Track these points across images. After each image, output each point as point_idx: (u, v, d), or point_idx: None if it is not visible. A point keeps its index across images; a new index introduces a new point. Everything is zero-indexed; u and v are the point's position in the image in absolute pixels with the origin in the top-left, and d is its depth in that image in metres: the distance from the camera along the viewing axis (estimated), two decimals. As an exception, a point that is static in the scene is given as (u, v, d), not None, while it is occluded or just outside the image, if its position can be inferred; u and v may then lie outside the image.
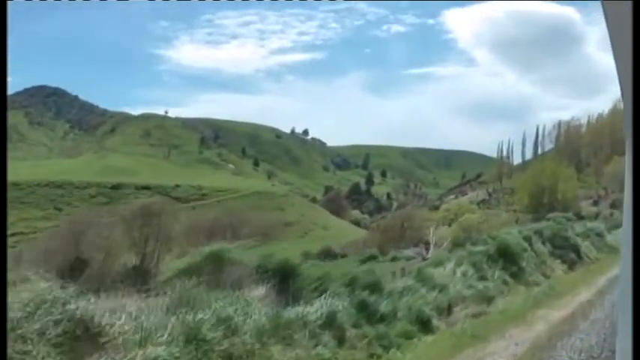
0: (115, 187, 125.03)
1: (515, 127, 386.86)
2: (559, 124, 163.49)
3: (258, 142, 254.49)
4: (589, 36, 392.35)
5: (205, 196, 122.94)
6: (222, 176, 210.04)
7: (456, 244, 37.67)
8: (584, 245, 27.77)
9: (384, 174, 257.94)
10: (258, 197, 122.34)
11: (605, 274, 21.32)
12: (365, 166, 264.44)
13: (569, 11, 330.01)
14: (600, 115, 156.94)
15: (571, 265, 23.62)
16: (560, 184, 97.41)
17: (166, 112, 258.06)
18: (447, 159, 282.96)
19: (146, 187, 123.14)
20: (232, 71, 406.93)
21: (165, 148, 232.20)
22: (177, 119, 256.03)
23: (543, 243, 23.42)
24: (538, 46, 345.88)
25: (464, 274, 16.49)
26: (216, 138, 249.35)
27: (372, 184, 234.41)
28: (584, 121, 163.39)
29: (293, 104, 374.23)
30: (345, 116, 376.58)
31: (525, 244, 20.65)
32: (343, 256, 72.53)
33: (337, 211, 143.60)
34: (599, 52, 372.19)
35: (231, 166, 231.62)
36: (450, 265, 17.24)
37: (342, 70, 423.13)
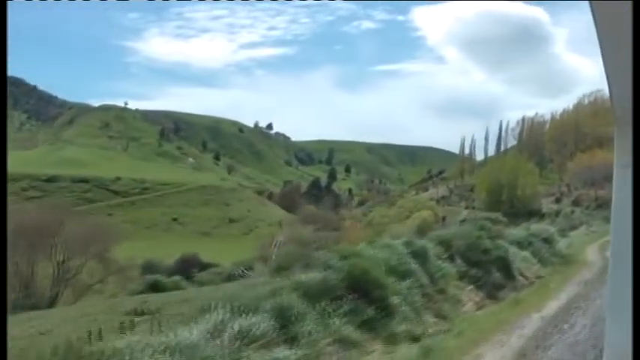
0: (50, 179, 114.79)
1: (483, 125, 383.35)
2: (523, 120, 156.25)
3: (220, 135, 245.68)
4: (557, 37, 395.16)
5: (147, 190, 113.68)
6: (180, 170, 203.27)
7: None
8: (522, 257, 19.83)
9: (348, 169, 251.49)
10: (204, 192, 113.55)
11: (548, 305, 14.43)
12: (329, 162, 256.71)
13: (538, 12, 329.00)
14: (565, 111, 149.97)
15: (492, 293, 15.41)
16: (520, 179, 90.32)
17: (126, 104, 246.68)
18: (412, 155, 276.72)
19: (84, 180, 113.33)
20: (202, 65, 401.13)
21: (124, 141, 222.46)
22: (137, 111, 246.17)
23: (451, 258, 15.15)
24: (507, 45, 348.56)
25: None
26: (177, 131, 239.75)
27: (335, 180, 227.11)
28: (548, 117, 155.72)
29: (262, 99, 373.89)
30: (313, 111, 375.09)
31: (407, 263, 12.26)
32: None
33: (291, 206, 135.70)
34: (566, 52, 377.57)
35: (190, 159, 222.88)
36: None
37: (312, 66, 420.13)
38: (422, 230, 77.12)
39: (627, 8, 1.68)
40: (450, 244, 15.72)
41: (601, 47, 1.89)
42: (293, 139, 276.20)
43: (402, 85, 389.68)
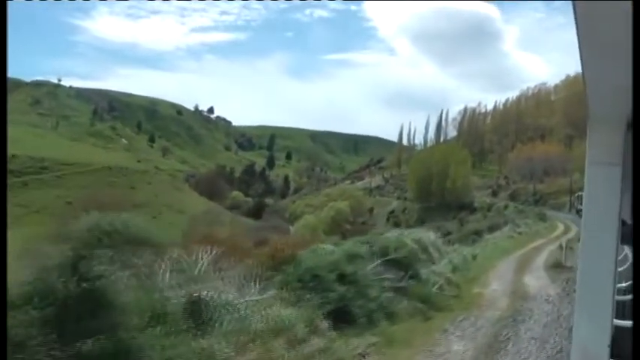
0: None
1: (431, 117, 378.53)
2: (464, 109, 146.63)
3: (157, 117, 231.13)
4: (507, 34, 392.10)
5: (45, 170, 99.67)
6: (111, 151, 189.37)
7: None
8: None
9: (289, 156, 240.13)
10: (109, 173, 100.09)
11: None
12: (270, 148, 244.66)
13: (490, 9, 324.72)
14: (508, 101, 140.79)
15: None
16: (450, 169, 79.99)
17: (59, 80, 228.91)
18: (356, 144, 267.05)
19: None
20: (151, 47, 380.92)
21: (54, 119, 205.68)
22: (71, 88, 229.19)
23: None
24: (458, 41, 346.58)
25: None
26: (111, 110, 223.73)
27: (273, 166, 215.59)
28: (491, 108, 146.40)
29: (211, 84, 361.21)
30: (261, 98, 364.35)
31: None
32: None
33: (212, 192, 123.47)
34: (516, 50, 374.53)
35: (124, 140, 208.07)
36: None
37: (263, 52, 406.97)
38: (336, 222, 66.16)
39: (607, 6, 1.69)
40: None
41: (579, 43, 1.86)
42: (235, 124, 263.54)
43: (352, 75, 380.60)
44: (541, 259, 27.67)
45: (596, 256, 2.64)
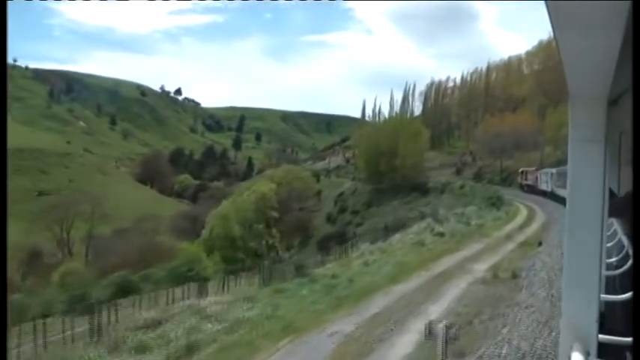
0: None
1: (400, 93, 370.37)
2: (431, 83, 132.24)
3: (119, 99, 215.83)
4: (486, 13, 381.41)
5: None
6: (68, 134, 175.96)
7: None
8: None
9: (258, 138, 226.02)
10: (19, 156, 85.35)
11: None
12: (240, 129, 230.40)
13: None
14: (476, 71, 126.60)
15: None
16: (400, 146, 66.33)
17: (15, 61, 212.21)
18: (328, 124, 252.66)
19: None
20: (128, 30, 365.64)
21: (7, 101, 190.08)
22: (27, 69, 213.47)
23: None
24: (436, 21, 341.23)
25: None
26: (69, 92, 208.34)
27: (240, 148, 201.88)
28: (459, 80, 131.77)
29: (187, 66, 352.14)
30: (238, 80, 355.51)
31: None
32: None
33: (153, 176, 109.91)
34: (495, 28, 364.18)
35: (81, 123, 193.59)
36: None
37: (241, 34, 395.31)
38: (259, 208, 52.61)
39: None
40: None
41: (551, 22, 1.82)
42: (203, 105, 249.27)
43: (329, 56, 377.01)
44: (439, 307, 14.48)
45: (582, 232, 2.60)
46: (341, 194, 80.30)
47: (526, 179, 61.55)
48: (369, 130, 79.76)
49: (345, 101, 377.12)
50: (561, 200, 38.89)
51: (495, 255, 22.43)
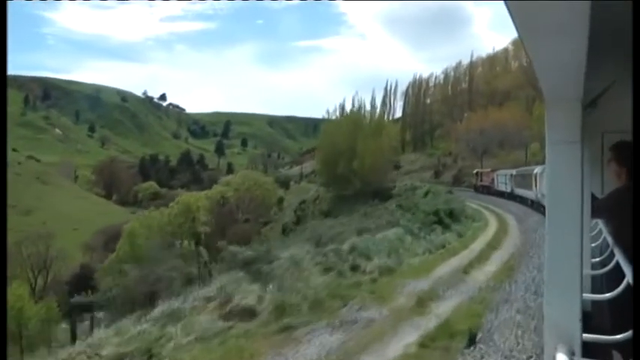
0: None
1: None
2: (413, 80, 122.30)
3: (99, 105, 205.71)
4: (478, 16, 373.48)
5: None
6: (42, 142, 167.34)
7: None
8: None
9: (244, 143, 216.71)
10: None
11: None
12: (225, 134, 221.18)
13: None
14: (459, 66, 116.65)
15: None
16: (359, 145, 56.42)
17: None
18: (316, 127, 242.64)
19: None
20: (121, 38, 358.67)
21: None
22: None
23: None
24: (429, 25, 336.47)
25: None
26: (46, 98, 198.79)
27: (223, 154, 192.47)
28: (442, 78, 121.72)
29: (179, 74, 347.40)
30: (229, 87, 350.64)
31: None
32: None
33: (111, 184, 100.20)
34: (488, 31, 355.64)
35: (57, 130, 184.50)
36: None
37: (234, 41, 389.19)
38: (185, 222, 44.10)
39: None
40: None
41: (516, 26, 1.79)
42: (187, 110, 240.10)
43: (322, 61, 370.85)
44: None
45: (562, 233, 2.61)
46: (303, 202, 70.73)
47: (481, 180, 60.74)
48: (329, 127, 69.63)
49: (336, 105, 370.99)
50: (522, 200, 39.73)
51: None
